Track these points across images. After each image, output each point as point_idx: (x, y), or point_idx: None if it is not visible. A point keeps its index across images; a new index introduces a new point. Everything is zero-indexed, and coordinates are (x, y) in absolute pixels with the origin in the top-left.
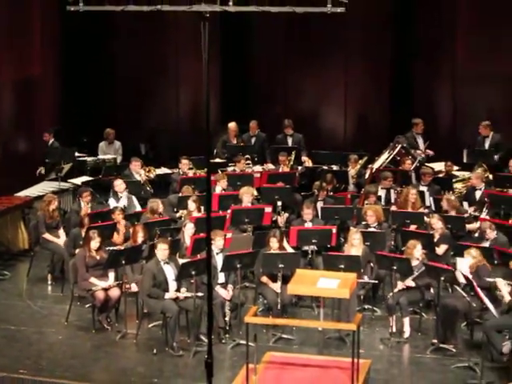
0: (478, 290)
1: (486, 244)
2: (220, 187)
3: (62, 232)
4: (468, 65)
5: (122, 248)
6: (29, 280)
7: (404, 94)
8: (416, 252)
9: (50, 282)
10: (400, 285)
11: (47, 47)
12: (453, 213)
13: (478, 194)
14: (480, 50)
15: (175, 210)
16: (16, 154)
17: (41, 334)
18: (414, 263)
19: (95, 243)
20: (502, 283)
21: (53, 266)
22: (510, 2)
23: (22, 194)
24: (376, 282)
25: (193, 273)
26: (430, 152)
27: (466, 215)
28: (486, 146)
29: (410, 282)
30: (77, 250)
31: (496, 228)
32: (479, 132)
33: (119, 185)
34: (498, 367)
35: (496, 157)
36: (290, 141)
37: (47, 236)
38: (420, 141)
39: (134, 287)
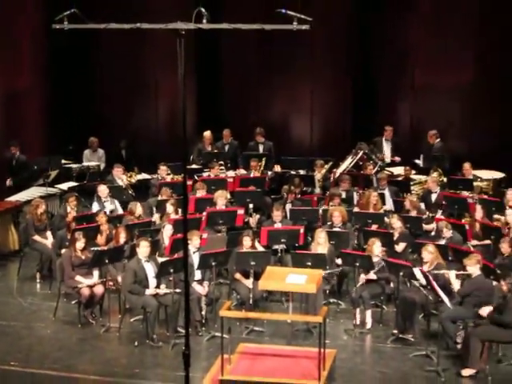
0: (434, 284)
1: (442, 242)
2: (199, 193)
3: (49, 234)
4: (425, 77)
5: (106, 248)
6: (19, 278)
7: (366, 104)
8: (376, 249)
9: (38, 280)
10: (362, 279)
11: (35, 61)
12: (414, 212)
13: (433, 197)
14: (435, 63)
15: (154, 212)
16: (5, 162)
17: (30, 329)
18: (375, 259)
19: (80, 244)
20: (453, 276)
21: (41, 265)
22: (462, 18)
23: (13, 198)
24: (339, 270)
25: (171, 270)
26: (397, 158)
27: (424, 216)
28: (433, 152)
29: (371, 276)
30: (63, 251)
31: (451, 227)
32: (428, 140)
33: (103, 190)
34: (453, 355)
35: (418, 161)
36: (261, 148)
37: (36, 238)
38: (386, 147)
39: (120, 279)
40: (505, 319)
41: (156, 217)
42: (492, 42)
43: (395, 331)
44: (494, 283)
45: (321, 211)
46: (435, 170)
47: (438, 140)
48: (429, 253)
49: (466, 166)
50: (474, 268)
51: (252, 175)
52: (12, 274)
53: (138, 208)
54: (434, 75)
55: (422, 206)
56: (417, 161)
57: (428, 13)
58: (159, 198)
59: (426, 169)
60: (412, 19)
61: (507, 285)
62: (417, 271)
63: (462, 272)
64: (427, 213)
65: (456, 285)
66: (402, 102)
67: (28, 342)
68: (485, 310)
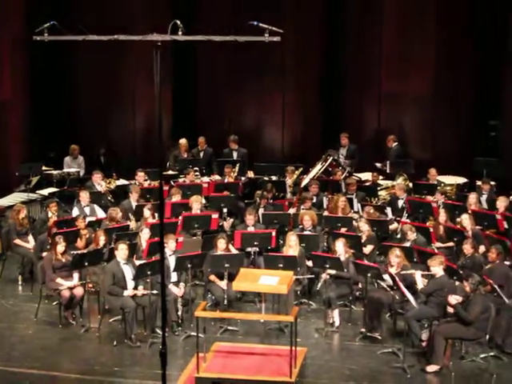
0: (400, 284)
1: (407, 244)
2: (175, 198)
3: (30, 238)
4: (390, 86)
5: (85, 251)
6: (1, 281)
7: (334, 113)
8: (338, 248)
9: (20, 283)
10: (324, 276)
11: (16, 72)
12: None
13: (400, 203)
14: (400, 73)
15: (130, 215)
16: None
17: (12, 329)
18: (342, 259)
19: (61, 247)
20: (418, 276)
21: (23, 268)
22: (424, 31)
23: None
24: (312, 276)
25: (148, 273)
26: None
27: (388, 218)
28: (393, 155)
29: (331, 271)
30: (44, 254)
31: (415, 230)
32: (386, 144)
33: (84, 197)
34: (418, 352)
35: (379, 165)
36: (234, 154)
37: (18, 241)
38: (342, 153)
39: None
40: (467, 317)
41: (132, 222)
42: (451, 54)
43: (363, 330)
44: (457, 283)
45: (291, 214)
46: (400, 174)
47: (396, 144)
48: (396, 257)
49: (432, 171)
50: (437, 268)
51: (226, 181)
52: None
53: (118, 214)
54: (399, 85)
55: (389, 210)
56: (377, 164)
57: (393, 26)
58: (136, 203)
59: (392, 174)
60: (378, 32)
61: (470, 285)
62: (385, 275)
63: (426, 272)
64: (392, 216)
65: (420, 284)
66: (368, 110)
67: (10, 342)
68: (453, 298)
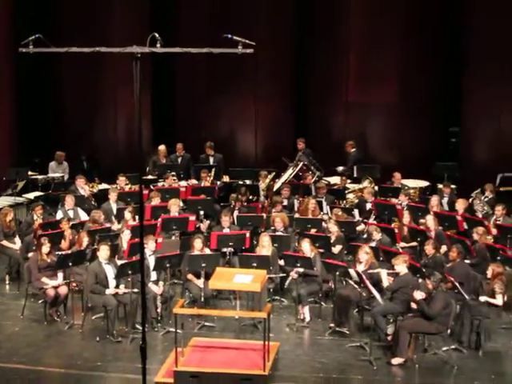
0: (367, 282)
1: (373, 244)
2: (154, 201)
3: (17, 239)
4: (356, 94)
5: (69, 252)
6: None
7: (304, 121)
8: (304, 247)
9: (7, 282)
10: (292, 273)
11: (3, 82)
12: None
13: (368, 205)
14: (365, 82)
15: (114, 218)
16: None
17: (0, 326)
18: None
19: (46, 248)
20: (384, 274)
21: (10, 268)
22: (388, 41)
23: None
24: (284, 275)
25: (129, 272)
26: (339, 168)
27: (355, 220)
28: (352, 160)
29: (299, 269)
30: (30, 255)
31: (381, 230)
32: (345, 149)
33: (69, 201)
34: (384, 346)
35: (340, 168)
36: (211, 160)
37: (5, 243)
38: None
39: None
40: (430, 312)
41: (115, 224)
42: (414, 65)
43: (332, 325)
44: (420, 281)
45: (265, 217)
46: (366, 178)
47: (354, 149)
48: (365, 253)
49: (397, 175)
50: (401, 267)
51: (203, 185)
52: None
53: (100, 216)
54: (364, 93)
55: (356, 212)
56: (339, 168)
57: (358, 39)
58: (117, 206)
59: (359, 177)
60: (344, 45)
61: (432, 282)
62: (352, 271)
63: (391, 271)
64: (359, 218)
65: (386, 282)
66: (335, 118)
67: None
68: (418, 294)
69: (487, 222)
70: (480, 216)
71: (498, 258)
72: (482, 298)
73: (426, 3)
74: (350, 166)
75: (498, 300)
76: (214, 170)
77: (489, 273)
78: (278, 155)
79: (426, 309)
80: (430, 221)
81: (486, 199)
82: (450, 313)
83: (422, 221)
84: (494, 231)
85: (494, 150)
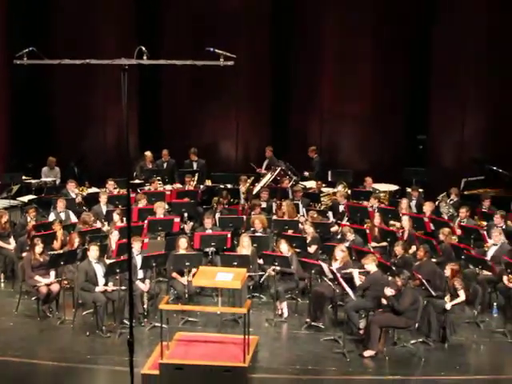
0: (341, 279)
1: (347, 244)
2: (141, 204)
3: (12, 240)
4: (331, 106)
5: (61, 252)
6: None
7: (282, 129)
8: (282, 248)
9: (2, 280)
10: (270, 270)
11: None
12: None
13: (341, 207)
14: (339, 95)
15: (103, 220)
16: None
17: None
18: (289, 257)
19: (39, 248)
20: (356, 273)
21: (5, 267)
22: (360, 57)
23: None
24: (263, 273)
25: (117, 270)
26: (306, 173)
27: (329, 221)
28: (315, 165)
29: (275, 268)
30: (24, 254)
31: (354, 231)
32: (308, 154)
33: (61, 204)
34: (356, 339)
35: (307, 173)
36: (194, 165)
37: (0, 243)
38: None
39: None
40: (399, 308)
41: (105, 225)
42: (384, 78)
43: (308, 320)
44: (390, 278)
45: (245, 219)
46: (341, 182)
47: (317, 155)
48: (341, 251)
49: (368, 180)
50: (370, 266)
51: (187, 189)
52: None
53: (90, 218)
54: (338, 104)
55: (331, 214)
56: (305, 173)
57: (333, 56)
58: (106, 208)
59: (333, 182)
60: (320, 61)
61: (401, 280)
62: (326, 268)
63: (362, 270)
64: (333, 219)
65: (357, 281)
66: (311, 126)
67: None
68: (388, 291)
69: (452, 223)
70: (446, 218)
71: (463, 257)
72: (448, 306)
73: (395, 23)
74: (317, 171)
75: (461, 296)
76: (197, 174)
77: (447, 272)
78: (256, 161)
79: (395, 305)
80: (405, 221)
81: (451, 202)
82: (418, 308)
83: (392, 222)
84: (459, 232)
85: (458, 156)
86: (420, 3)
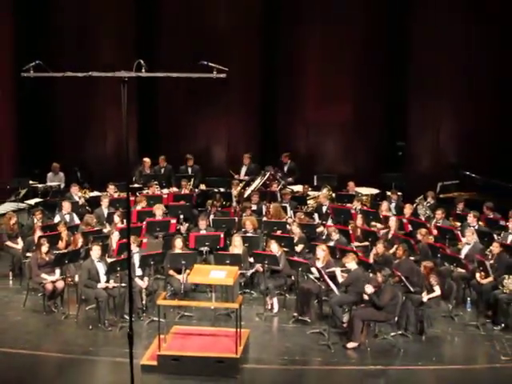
0: (325, 276)
1: (331, 243)
2: (140, 206)
3: (19, 240)
4: (315, 116)
5: (65, 251)
6: None
7: (272, 136)
8: (272, 247)
9: (11, 278)
10: (258, 266)
11: (7, 104)
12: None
13: (324, 208)
14: (323, 104)
15: (105, 222)
16: None
17: (4, 316)
18: (278, 255)
19: (45, 248)
20: (338, 271)
21: (13, 265)
22: (343, 71)
23: None
24: (254, 270)
25: (118, 268)
26: (246, 178)
27: (315, 222)
28: (285, 169)
29: (259, 266)
30: (31, 254)
31: (338, 231)
32: (282, 160)
33: (66, 207)
34: (340, 332)
35: (290, 179)
36: (190, 170)
37: (9, 243)
38: (243, 170)
39: (76, 278)
40: (380, 303)
41: (108, 229)
42: (366, 89)
43: (295, 314)
44: (371, 275)
45: (236, 220)
46: (325, 186)
47: (290, 160)
48: (322, 250)
49: (351, 184)
50: (351, 264)
51: (183, 192)
52: None
53: (93, 220)
54: (323, 113)
55: (316, 215)
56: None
57: (317, 68)
58: (107, 210)
59: (318, 186)
60: (305, 73)
61: (381, 277)
62: (312, 269)
63: (344, 268)
64: (318, 221)
65: (340, 278)
66: (297, 134)
67: (2, 327)
68: (368, 289)
69: (429, 224)
70: (423, 219)
71: (438, 255)
72: (425, 298)
73: (376, 36)
74: (286, 173)
75: (437, 291)
76: (192, 179)
77: (422, 269)
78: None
79: (376, 300)
80: (392, 222)
81: (428, 204)
82: (397, 303)
83: (373, 223)
84: (435, 232)
85: (435, 161)
86: (398, 18)
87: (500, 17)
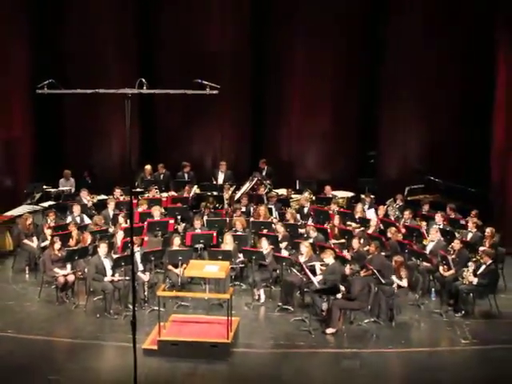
0: (307, 270)
1: (311, 240)
2: (142, 208)
3: (35, 238)
4: (298, 128)
5: (76, 248)
6: (13, 271)
7: (259, 145)
8: (263, 244)
9: (27, 272)
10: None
11: (24, 117)
12: (292, 221)
13: (305, 210)
14: (305, 116)
15: (110, 222)
16: (4, 190)
17: (21, 306)
18: (266, 252)
19: (57, 245)
20: (318, 266)
21: (29, 261)
22: (322, 86)
23: (8, 214)
24: (243, 265)
25: (122, 264)
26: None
27: (299, 223)
28: (263, 174)
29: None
30: (45, 250)
31: (317, 230)
32: (260, 166)
33: (76, 209)
34: (320, 319)
35: (268, 181)
36: (186, 176)
37: (25, 241)
38: (220, 176)
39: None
40: (351, 296)
41: (112, 229)
42: (341, 103)
43: (280, 303)
44: (346, 268)
45: (228, 220)
46: (307, 190)
47: (266, 166)
48: (305, 247)
49: (327, 188)
50: (328, 259)
51: (185, 195)
52: (8, 268)
53: (100, 220)
54: (304, 124)
55: (298, 216)
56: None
57: (300, 83)
58: (113, 212)
59: (300, 190)
60: (289, 88)
61: (349, 270)
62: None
63: (323, 262)
64: (301, 221)
65: (318, 271)
66: (282, 142)
67: (20, 316)
68: (339, 295)
69: (398, 223)
70: (392, 219)
71: (406, 251)
72: (394, 279)
73: (350, 54)
74: (274, 179)
75: (404, 283)
76: (195, 185)
77: (393, 263)
78: (237, 172)
79: (347, 296)
80: (373, 219)
81: (397, 206)
82: (368, 293)
83: (349, 223)
84: (403, 230)
85: (403, 168)
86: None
87: (466, 30)
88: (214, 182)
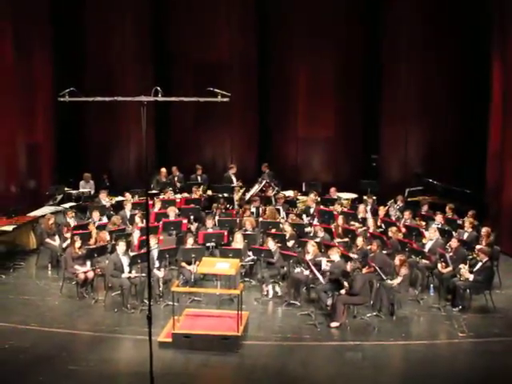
0: (313, 267)
1: (318, 240)
2: (157, 208)
3: (57, 237)
4: (304, 133)
5: (95, 247)
6: (37, 267)
7: (268, 150)
8: (269, 244)
9: (49, 269)
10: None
11: (46, 123)
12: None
13: (311, 210)
14: (311, 122)
15: (127, 222)
16: (28, 192)
17: (44, 301)
18: (273, 250)
19: (78, 244)
20: (324, 261)
21: (51, 259)
22: (325, 96)
23: (32, 214)
24: (252, 263)
25: (139, 261)
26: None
27: (305, 223)
28: (268, 177)
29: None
30: (67, 249)
31: (323, 230)
32: (262, 169)
33: (95, 215)
34: (325, 313)
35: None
36: (199, 178)
37: (48, 240)
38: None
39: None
40: (353, 291)
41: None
42: (344, 111)
43: (287, 299)
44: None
45: (238, 220)
46: (312, 191)
47: (268, 170)
48: (312, 246)
49: (332, 189)
50: (334, 256)
51: (193, 197)
52: (32, 265)
53: (118, 220)
54: (310, 129)
55: (304, 216)
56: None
57: (305, 92)
58: (130, 213)
59: (306, 191)
60: (295, 97)
61: (351, 266)
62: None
63: (329, 259)
64: (307, 220)
65: (324, 266)
66: (289, 147)
67: (42, 310)
68: (342, 291)
69: (398, 223)
70: (393, 219)
71: (406, 249)
72: (394, 281)
73: (351, 64)
74: (270, 181)
75: (398, 280)
76: (202, 186)
77: (396, 261)
78: (246, 174)
79: (351, 291)
80: (370, 220)
81: (398, 207)
82: (370, 288)
83: (352, 223)
84: (404, 230)
85: (403, 170)
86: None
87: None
88: (233, 185)
